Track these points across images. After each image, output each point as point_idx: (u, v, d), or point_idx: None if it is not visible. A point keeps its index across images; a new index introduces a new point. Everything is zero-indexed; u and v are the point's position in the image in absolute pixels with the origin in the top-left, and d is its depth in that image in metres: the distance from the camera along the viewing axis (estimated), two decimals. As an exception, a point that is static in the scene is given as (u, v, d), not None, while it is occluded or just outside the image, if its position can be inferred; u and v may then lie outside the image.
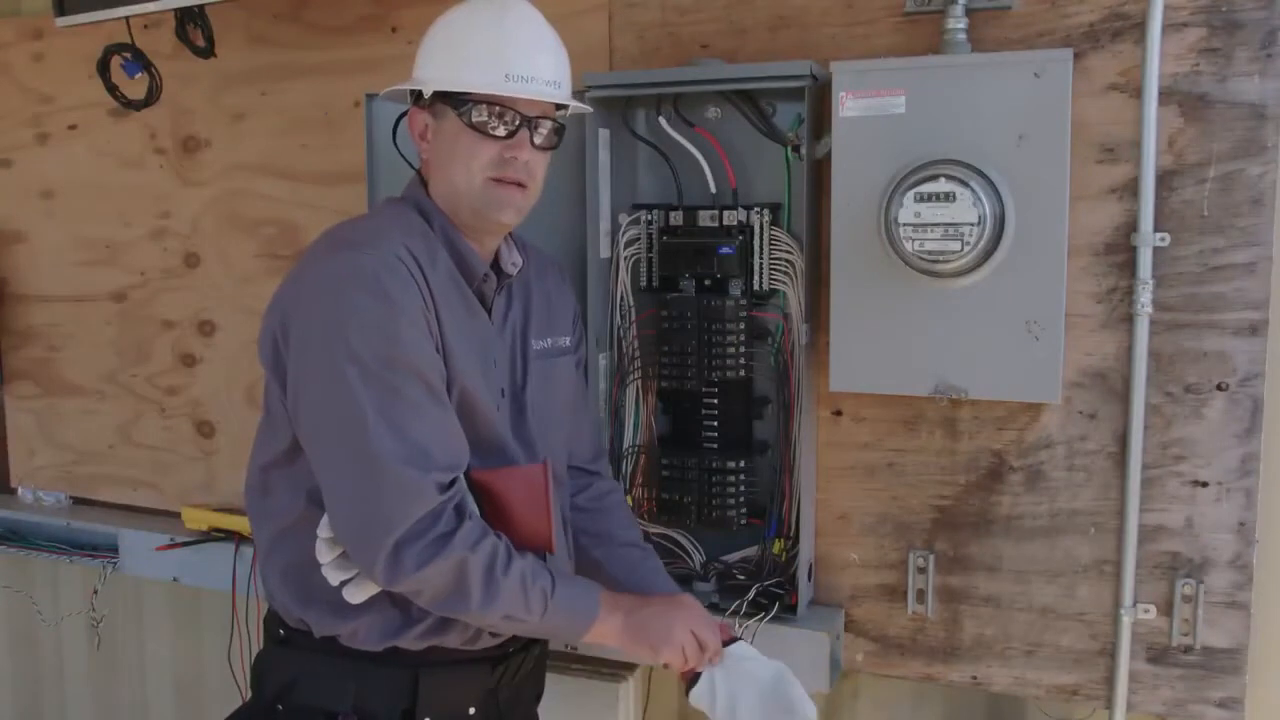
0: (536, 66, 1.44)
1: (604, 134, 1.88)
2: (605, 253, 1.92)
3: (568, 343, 1.62)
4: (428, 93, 1.43)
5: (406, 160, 1.56)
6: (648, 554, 1.68)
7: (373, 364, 1.31)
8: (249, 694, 1.52)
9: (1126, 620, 1.72)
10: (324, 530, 1.39)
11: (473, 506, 1.38)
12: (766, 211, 1.82)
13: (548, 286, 1.62)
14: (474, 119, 1.41)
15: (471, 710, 1.50)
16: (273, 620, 1.52)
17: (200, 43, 2.20)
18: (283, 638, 1.49)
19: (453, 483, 1.35)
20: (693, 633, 1.48)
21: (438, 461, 1.34)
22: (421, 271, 1.37)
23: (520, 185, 1.44)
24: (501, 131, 1.42)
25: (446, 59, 1.44)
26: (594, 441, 1.74)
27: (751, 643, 1.79)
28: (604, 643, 1.47)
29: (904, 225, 1.62)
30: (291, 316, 1.38)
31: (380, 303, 1.32)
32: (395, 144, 1.55)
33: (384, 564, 1.31)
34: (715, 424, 1.91)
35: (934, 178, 1.60)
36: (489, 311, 1.50)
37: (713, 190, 1.86)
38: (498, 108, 1.41)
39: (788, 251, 1.82)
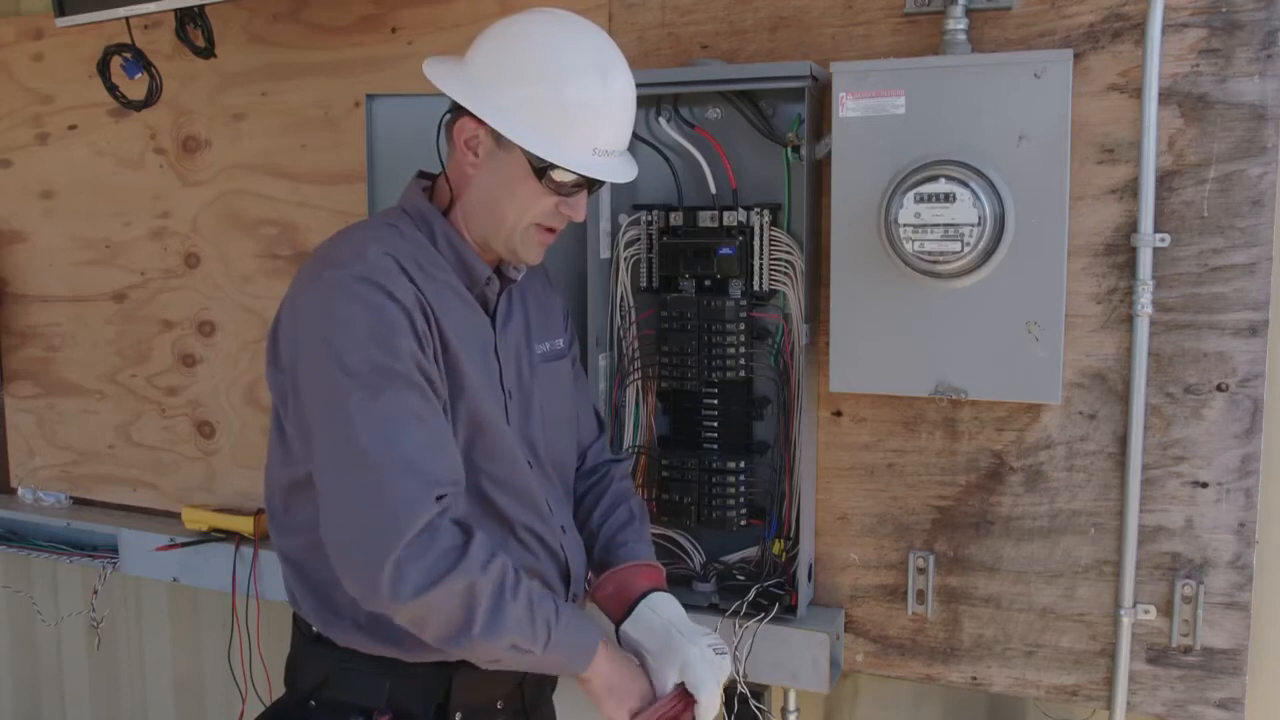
0: (621, 139, 1.44)
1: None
2: (605, 253, 1.92)
3: (562, 344, 1.63)
4: (507, 134, 1.36)
5: (440, 159, 1.49)
6: (635, 517, 1.66)
7: (365, 375, 1.30)
8: (248, 694, 1.52)
9: (1126, 621, 1.72)
10: None
11: (471, 524, 1.35)
12: (766, 212, 1.82)
13: (537, 291, 1.62)
14: (548, 178, 1.40)
15: (499, 704, 1.51)
16: (304, 621, 1.51)
17: (200, 43, 2.20)
18: (315, 635, 1.48)
19: (449, 495, 1.33)
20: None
21: (430, 474, 1.31)
22: (412, 281, 1.35)
23: (555, 230, 1.47)
24: (568, 191, 1.42)
25: (538, 117, 1.36)
26: (594, 421, 1.74)
27: (752, 643, 1.80)
28: (584, 685, 1.44)
29: (904, 226, 1.62)
30: (288, 344, 1.37)
31: (368, 315, 1.31)
32: (438, 141, 1.47)
33: (387, 584, 1.26)
34: (715, 424, 1.91)
35: (934, 178, 1.60)
36: (492, 316, 1.50)
37: (713, 190, 1.85)
38: (575, 175, 1.40)
39: (788, 252, 1.82)
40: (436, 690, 1.45)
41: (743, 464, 1.86)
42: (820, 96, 1.78)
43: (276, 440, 1.45)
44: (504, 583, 1.32)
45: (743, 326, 1.84)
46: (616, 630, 1.52)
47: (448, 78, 1.41)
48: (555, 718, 1.68)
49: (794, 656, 1.82)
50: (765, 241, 1.83)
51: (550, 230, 1.46)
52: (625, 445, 1.93)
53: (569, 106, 1.37)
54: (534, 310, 1.59)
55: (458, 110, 1.42)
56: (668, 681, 1.45)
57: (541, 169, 1.39)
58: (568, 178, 1.40)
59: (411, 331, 1.33)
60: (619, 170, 1.45)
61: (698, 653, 1.45)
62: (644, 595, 1.52)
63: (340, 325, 1.31)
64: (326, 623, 1.44)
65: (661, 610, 1.51)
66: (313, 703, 1.47)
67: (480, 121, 1.39)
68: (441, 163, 1.49)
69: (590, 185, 1.44)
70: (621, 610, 1.52)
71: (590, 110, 1.39)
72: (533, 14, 1.44)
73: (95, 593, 2.63)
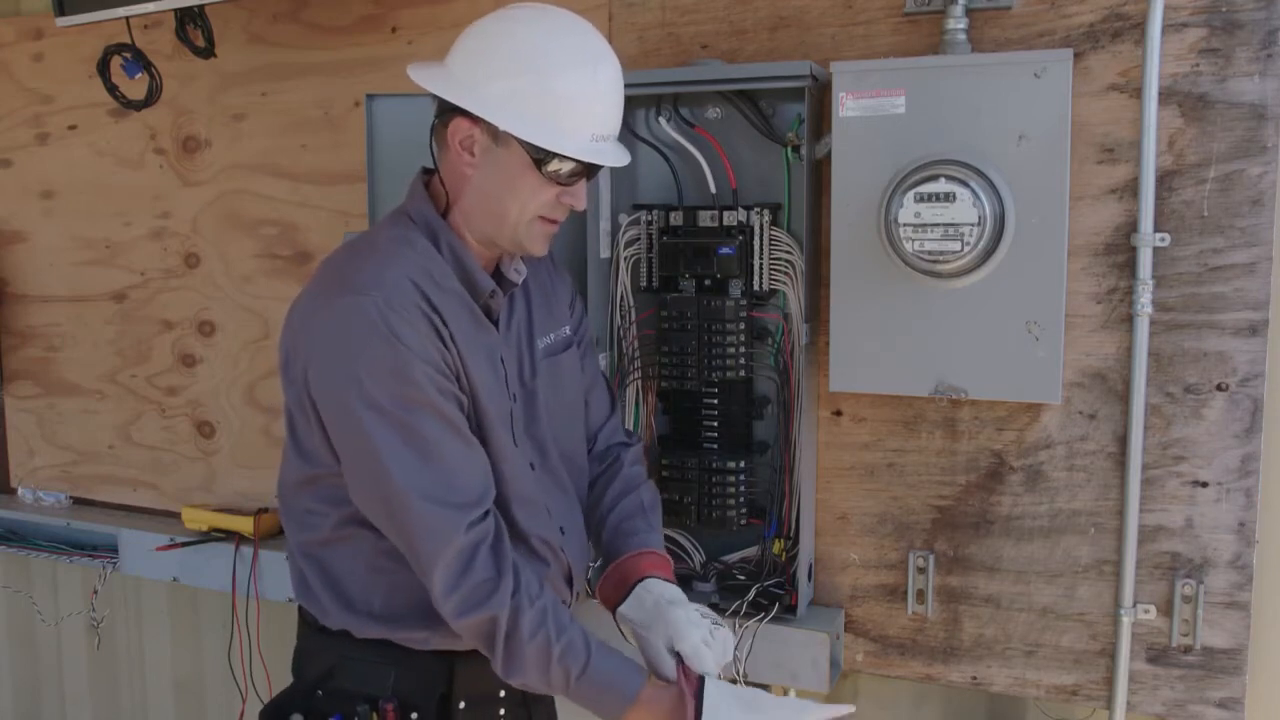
0: (615, 124, 1.44)
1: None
2: (605, 253, 1.92)
3: (568, 331, 1.62)
4: (505, 128, 1.36)
5: (434, 158, 1.48)
6: (644, 507, 1.65)
7: (388, 405, 1.32)
8: (248, 694, 1.53)
9: (1126, 620, 1.72)
10: None
11: (509, 549, 1.38)
12: (766, 211, 1.82)
13: (542, 277, 1.61)
14: (548, 169, 1.39)
15: (502, 693, 1.53)
16: (310, 613, 1.52)
17: (200, 43, 2.21)
18: (320, 626, 1.50)
19: (482, 517, 1.36)
20: None
21: (460, 495, 1.35)
22: (430, 303, 1.37)
23: (558, 221, 1.47)
24: (568, 181, 1.42)
25: (533, 109, 1.36)
26: (606, 400, 1.73)
27: (752, 642, 1.79)
28: None
29: (904, 225, 1.62)
30: (310, 366, 1.37)
31: (389, 346, 1.32)
32: (431, 146, 1.47)
33: (438, 603, 1.35)
34: (715, 424, 1.91)
35: (934, 178, 1.60)
36: (495, 322, 1.49)
37: (713, 190, 1.85)
38: (575, 164, 1.40)
39: (788, 251, 1.82)
40: (440, 680, 1.47)
41: (743, 464, 1.86)
42: (820, 96, 1.78)
43: (290, 440, 1.47)
44: (517, 622, 1.35)
45: (743, 326, 1.84)
46: (614, 615, 1.53)
47: (434, 79, 1.40)
48: (555, 708, 1.68)
49: (794, 656, 1.82)
50: (765, 241, 1.83)
51: (553, 221, 1.46)
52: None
53: (562, 96, 1.37)
54: (537, 300, 1.58)
55: (447, 112, 1.41)
56: (661, 652, 1.45)
57: (540, 160, 1.38)
58: (567, 166, 1.40)
59: (431, 356, 1.35)
60: (616, 155, 1.45)
61: (684, 615, 1.46)
62: (642, 580, 1.52)
63: (361, 358, 1.32)
64: (343, 616, 1.46)
65: (654, 589, 1.51)
66: (320, 692, 1.49)
67: (475, 121, 1.38)
68: (435, 167, 1.48)
69: (588, 172, 1.44)
70: (619, 595, 1.53)
71: (584, 99, 1.39)
72: (511, 9, 1.43)
73: (95, 593, 2.64)
